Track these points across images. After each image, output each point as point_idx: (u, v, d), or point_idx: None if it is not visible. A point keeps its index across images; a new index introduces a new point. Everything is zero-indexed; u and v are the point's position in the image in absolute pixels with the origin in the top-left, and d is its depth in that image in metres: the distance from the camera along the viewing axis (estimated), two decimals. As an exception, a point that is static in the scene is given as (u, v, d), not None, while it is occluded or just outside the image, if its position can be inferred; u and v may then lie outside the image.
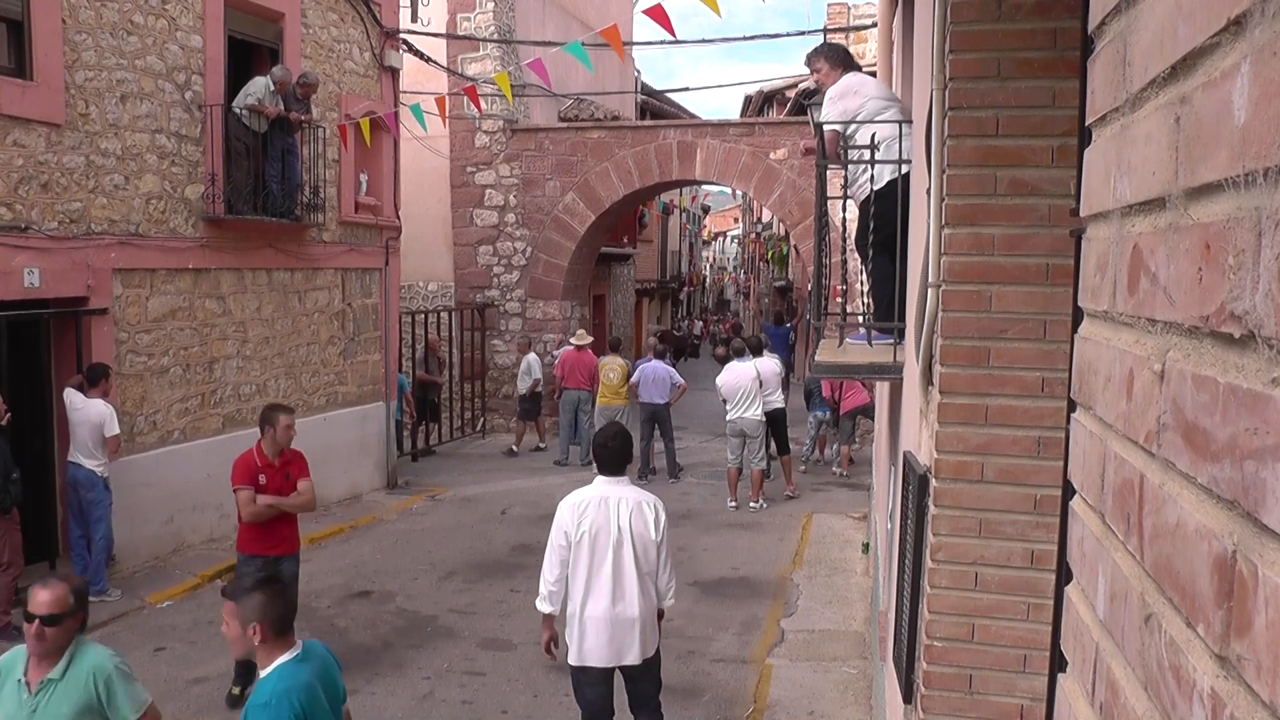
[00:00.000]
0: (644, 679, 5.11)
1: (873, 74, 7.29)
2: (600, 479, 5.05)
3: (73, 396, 8.14)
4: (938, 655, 3.19)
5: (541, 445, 15.93)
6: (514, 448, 15.67)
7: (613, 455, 5.04)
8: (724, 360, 12.93)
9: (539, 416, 15.90)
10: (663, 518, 5.05)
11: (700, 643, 7.75)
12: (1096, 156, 1.08)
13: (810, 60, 5.98)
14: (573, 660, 4.97)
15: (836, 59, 5.78)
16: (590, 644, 4.90)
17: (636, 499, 5.00)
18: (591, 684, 5.00)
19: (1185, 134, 0.78)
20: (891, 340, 5.22)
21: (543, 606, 5.00)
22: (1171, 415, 0.80)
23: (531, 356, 15.74)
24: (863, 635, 7.77)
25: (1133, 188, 0.92)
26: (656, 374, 13.35)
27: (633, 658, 4.94)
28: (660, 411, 13.39)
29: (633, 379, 13.62)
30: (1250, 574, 0.65)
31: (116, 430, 8.25)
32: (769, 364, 12.43)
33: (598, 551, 4.86)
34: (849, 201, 5.72)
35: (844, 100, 5.46)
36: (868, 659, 7.18)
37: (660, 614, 5.20)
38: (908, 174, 5.03)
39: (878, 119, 5.39)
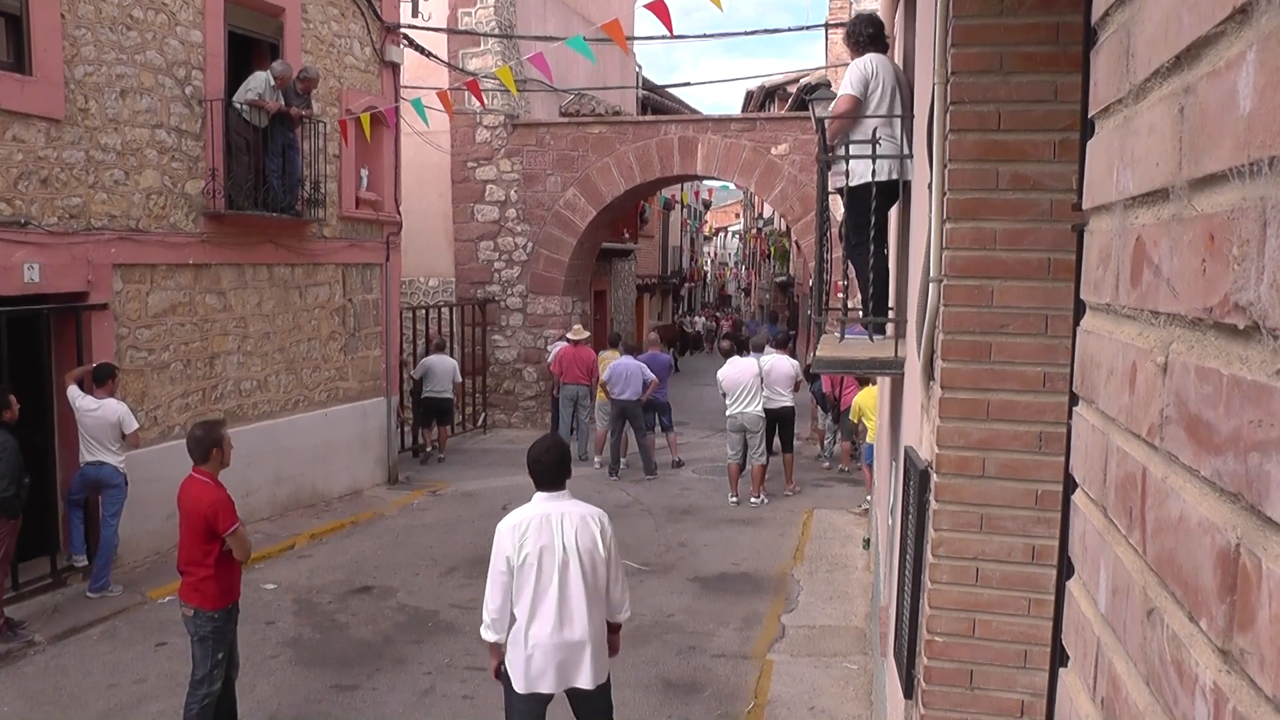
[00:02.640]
0: (596, 701, 4.78)
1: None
2: (539, 495, 4.66)
3: (84, 398, 8.15)
4: (939, 650, 3.19)
5: (440, 455, 14.83)
6: (433, 454, 14.88)
7: (548, 470, 4.64)
8: (728, 354, 12.91)
9: (430, 423, 14.87)
10: (609, 531, 4.68)
11: (701, 638, 7.75)
12: (1099, 148, 1.08)
13: (844, 38, 6.01)
14: (519, 687, 4.62)
15: (855, 42, 5.73)
16: (537, 671, 4.58)
17: (580, 514, 4.64)
18: (529, 708, 4.68)
19: (1189, 124, 0.77)
20: (877, 336, 5.28)
21: (487, 636, 4.68)
22: (1174, 408, 0.79)
23: (433, 359, 14.60)
24: (863, 631, 7.77)
25: (1135, 179, 0.91)
26: (628, 370, 13.32)
27: (584, 681, 4.63)
28: (630, 408, 13.31)
29: (604, 376, 13.59)
30: (1254, 567, 0.64)
31: (135, 425, 8.38)
32: (783, 362, 12.41)
33: (543, 574, 4.53)
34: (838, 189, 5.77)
35: (861, 80, 5.46)
36: (868, 654, 7.18)
37: (615, 628, 4.88)
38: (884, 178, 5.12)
39: (880, 113, 5.39)
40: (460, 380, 14.85)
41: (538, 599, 4.53)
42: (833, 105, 5.66)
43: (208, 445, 5.49)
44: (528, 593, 4.53)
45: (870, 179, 5.17)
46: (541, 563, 4.51)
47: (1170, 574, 0.79)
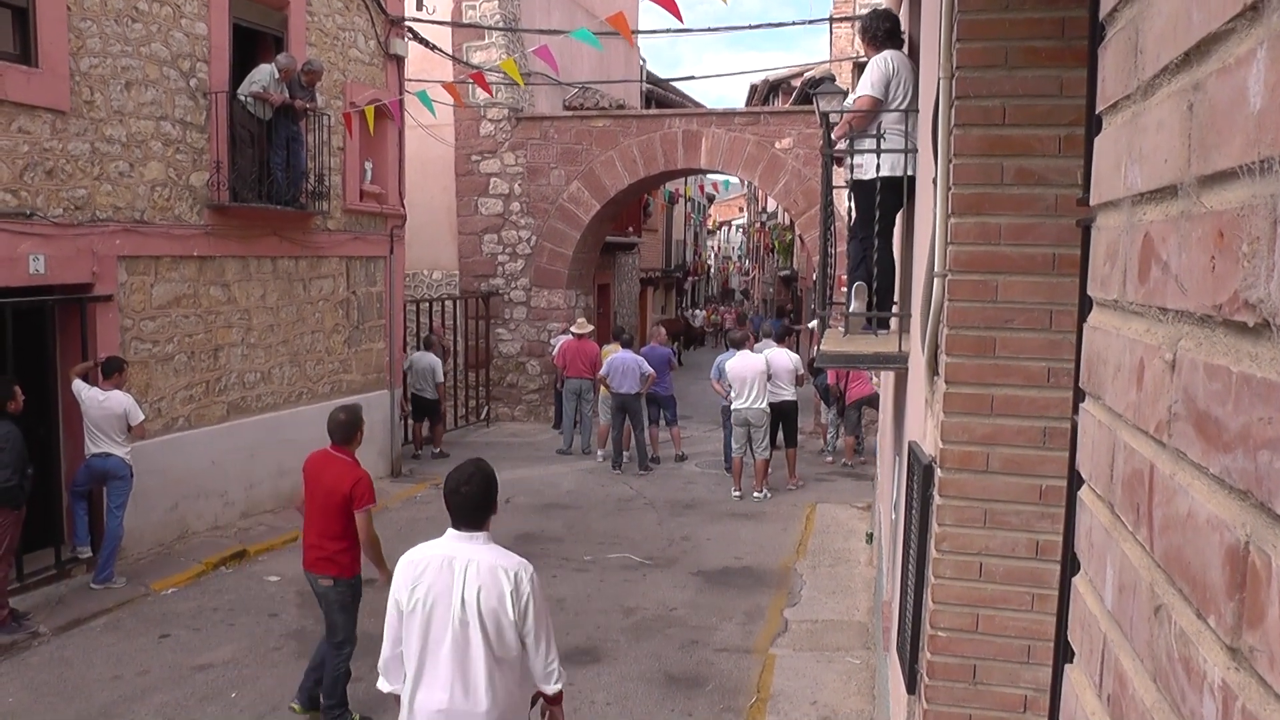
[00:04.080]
0: None
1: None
2: (451, 533, 3.83)
3: (92, 390, 8.17)
4: (942, 646, 3.19)
5: (435, 450, 14.65)
6: (425, 452, 14.67)
7: (466, 503, 3.80)
8: (739, 345, 12.86)
9: (422, 420, 14.60)
10: (526, 590, 3.72)
11: (704, 632, 7.76)
12: (1107, 144, 1.08)
13: (860, 34, 5.95)
14: None
15: (870, 38, 5.67)
16: None
17: (491, 564, 3.73)
18: None
19: (1198, 121, 0.77)
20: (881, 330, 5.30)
21: (380, 685, 3.94)
22: (1183, 405, 0.79)
23: (415, 355, 14.26)
24: (866, 625, 7.77)
25: (1144, 176, 0.91)
26: (625, 364, 13.36)
27: None
28: (630, 402, 13.36)
29: (602, 371, 13.63)
30: (1263, 565, 0.64)
31: (142, 417, 8.46)
32: (781, 356, 12.42)
33: (434, 628, 3.71)
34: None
35: (883, 80, 5.41)
36: (871, 649, 7.19)
37: (551, 699, 3.95)
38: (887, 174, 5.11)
39: (893, 107, 5.38)
40: (441, 380, 14.37)
41: (427, 657, 3.74)
42: (853, 102, 5.61)
43: (352, 428, 5.93)
44: (415, 647, 3.75)
45: (876, 174, 5.17)
46: (433, 614, 3.72)
47: (1178, 571, 0.79)
